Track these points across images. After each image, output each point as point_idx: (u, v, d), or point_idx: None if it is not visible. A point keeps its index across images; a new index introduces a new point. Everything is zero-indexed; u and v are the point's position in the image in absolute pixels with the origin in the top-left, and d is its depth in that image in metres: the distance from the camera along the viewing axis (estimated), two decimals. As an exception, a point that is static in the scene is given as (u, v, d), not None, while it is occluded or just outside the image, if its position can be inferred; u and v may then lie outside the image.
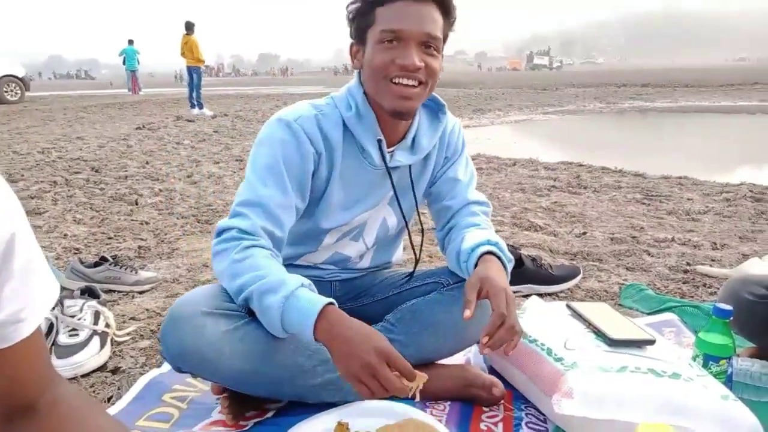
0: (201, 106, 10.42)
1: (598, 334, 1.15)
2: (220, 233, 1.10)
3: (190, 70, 10.60)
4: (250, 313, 1.06)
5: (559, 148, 6.24)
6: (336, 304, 1.00)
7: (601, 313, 1.23)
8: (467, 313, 1.00)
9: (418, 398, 0.96)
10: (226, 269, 1.06)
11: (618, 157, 4.82)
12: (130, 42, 17.14)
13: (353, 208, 1.26)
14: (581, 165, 4.62)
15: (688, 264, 2.20)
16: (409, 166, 1.28)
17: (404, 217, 1.34)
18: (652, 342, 1.12)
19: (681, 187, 3.73)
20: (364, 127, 1.18)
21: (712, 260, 2.25)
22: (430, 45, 1.10)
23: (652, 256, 2.32)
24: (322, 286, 1.37)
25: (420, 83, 1.11)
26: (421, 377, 0.94)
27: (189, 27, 10.41)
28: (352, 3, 1.14)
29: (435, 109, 1.30)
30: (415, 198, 1.34)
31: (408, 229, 1.40)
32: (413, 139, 1.25)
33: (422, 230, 1.43)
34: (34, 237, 0.57)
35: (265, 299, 1.00)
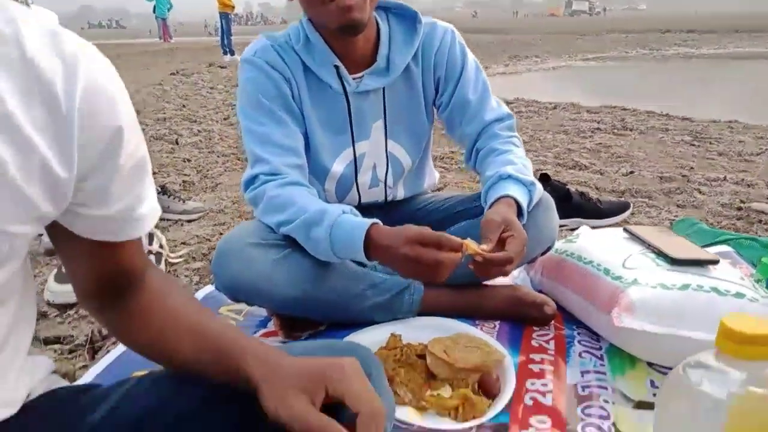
0: (233, 53, 10.38)
1: (659, 254, 1.12)
2: (247, 185, 1.12)
3: (221, 16, 10.50)
4: (295, 242, 1.07)
5: (602, 93, 6.01)
6: (380, 223, 1.00)
7: (661, 234, 1.20)
8: (485, 247, 0.96)
9: (466, 251, 0.94)
10: (265, 207, 1.08)
11: (664, 102, 4.62)
12: (160, -12, 16.93)
13: (339, 138, 1.21)
14: (625, 109, 4.45)
15: (741, 201, 2.12)
16: (383, 89, 1.20)
17: (406, 146, 1.27)
18: (716, 262, 1.09)
19: (731, 130, 3.57)
20: (315, 56, 1.14)
21: (768, 198, 2.16)
22: None
23: (704, 194, 2.25)
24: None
25: None
26: (467, 243, 0.94)
27: (219, -29, 10.25)
28: None
29: (411, 20, 1.20)
30: (423, 121, 1.27)
31: (428, 153, 1.37)
32: (387, 60, 1.18)
33: None
34: (144, 142, 0.55)
35: (311, 232, 1.02)
